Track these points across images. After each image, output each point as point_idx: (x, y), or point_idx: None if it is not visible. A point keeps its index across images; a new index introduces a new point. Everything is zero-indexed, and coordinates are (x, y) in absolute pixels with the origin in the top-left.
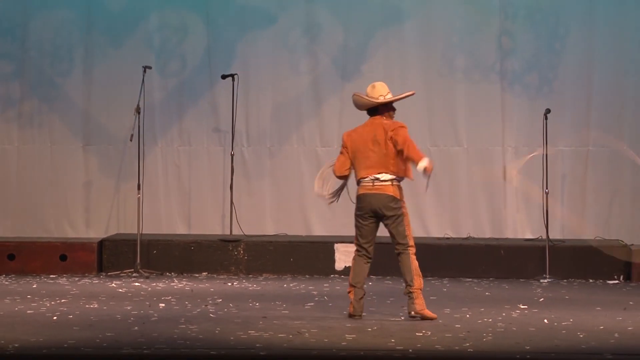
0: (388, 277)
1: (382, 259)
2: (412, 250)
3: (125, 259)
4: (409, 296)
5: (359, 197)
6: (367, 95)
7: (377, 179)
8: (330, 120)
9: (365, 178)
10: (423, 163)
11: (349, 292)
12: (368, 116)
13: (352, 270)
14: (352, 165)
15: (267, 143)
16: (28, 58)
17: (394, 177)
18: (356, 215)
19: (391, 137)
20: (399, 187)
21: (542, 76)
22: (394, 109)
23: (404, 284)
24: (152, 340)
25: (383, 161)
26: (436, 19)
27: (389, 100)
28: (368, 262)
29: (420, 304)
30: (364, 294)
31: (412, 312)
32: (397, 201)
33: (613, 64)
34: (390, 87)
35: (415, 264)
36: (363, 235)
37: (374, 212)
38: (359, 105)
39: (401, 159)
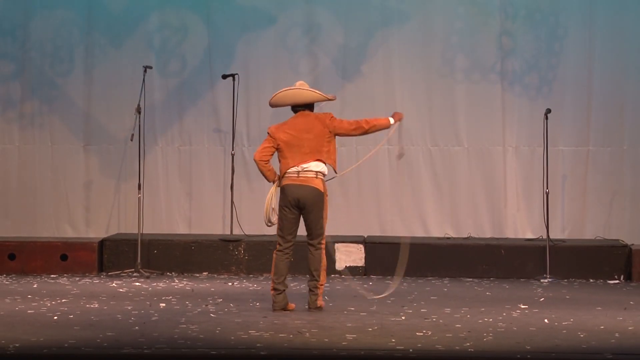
0: (388, 277)
1: (383, 258)
2: (324, 245)
3: (125, 258)
4: (313, 291)
5: (284, 188)
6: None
7: (305, 169)
8: None
9: (292, 168)
10: (392, 119)
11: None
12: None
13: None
14: (281, 155)
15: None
16: (29, 58)
17: (321, 170)
18: (281, 207)
19: (334, 127)
20: (323, 180)
21: (542, 77)
22: None
23: (308, 277)
24: (152, 340)
25: (315, 152)
26: (436, 19)
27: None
28: (289, 259)
29: (320, 299)
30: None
31: (313, 306)
32: (322, 194)
33: (613, 65)
34: (390, 87)
35: (324, 259)
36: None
37: (297, 203)
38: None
39: (333, 149)
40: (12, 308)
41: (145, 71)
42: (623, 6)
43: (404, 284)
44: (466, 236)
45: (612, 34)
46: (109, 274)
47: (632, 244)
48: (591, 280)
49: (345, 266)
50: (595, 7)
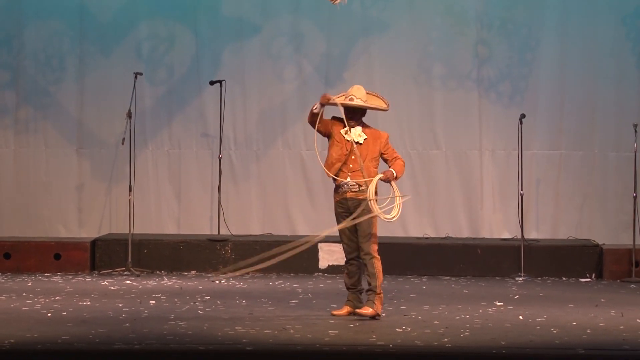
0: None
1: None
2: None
3: (117, 257)
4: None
5: None
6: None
7: None
8: None
9: None
10: None
11: (382, 295)
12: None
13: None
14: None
15: (253, 147)
16: (23, 67)
17: None
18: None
19: None
20: None
21: (514, 86)
22: None
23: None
24: (142, 336)
25: None
26: (415, 28)
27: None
28: None
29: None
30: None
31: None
32: None
33: (584, 74)
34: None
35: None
36: None
37: None
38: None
39: None
40: (7, 305)
41: (135, 77)
42: (594, 18)
43: (384, 282)
44: (444, 236)
45: (583, 44)
46: (101, 272)
47: (603, 244)
48: (564, 279)
49: (328, 265)
50: (566, 19)
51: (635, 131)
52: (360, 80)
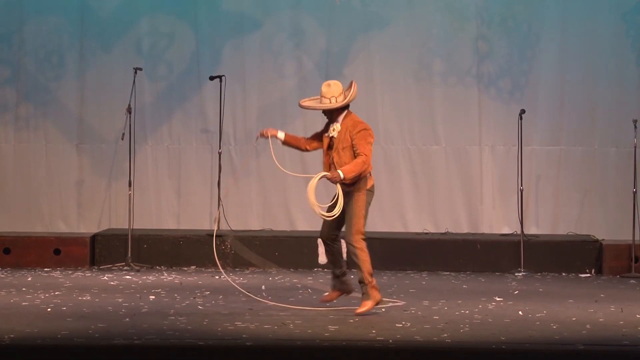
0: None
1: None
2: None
3: (116, 253)
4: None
5: (374, 186)
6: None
7: None
8: (313, 121)
9: None
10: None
11: (374, 282)
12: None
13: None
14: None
15: (253, 142)
16: (23, 64)
17: None
18: (369, 204)
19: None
20: None
21: (514, 82)
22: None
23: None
24: (142, 331)
25: None
26: (415, 25)
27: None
28: None
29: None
30: None
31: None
32: None
33: (584, 70)
34: (370, 89)
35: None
36: None
37: None
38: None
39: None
40: (7, 300)
41: (135, 73)
42: (594, 14)
43: (384, 277)
44: (444, 231)
45: (583, 40)
46: (101, 267)
47: (603, 239)
48: (563, 274)
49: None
50: (567, 15)
51: (635, 127)
52: (360, 77)
